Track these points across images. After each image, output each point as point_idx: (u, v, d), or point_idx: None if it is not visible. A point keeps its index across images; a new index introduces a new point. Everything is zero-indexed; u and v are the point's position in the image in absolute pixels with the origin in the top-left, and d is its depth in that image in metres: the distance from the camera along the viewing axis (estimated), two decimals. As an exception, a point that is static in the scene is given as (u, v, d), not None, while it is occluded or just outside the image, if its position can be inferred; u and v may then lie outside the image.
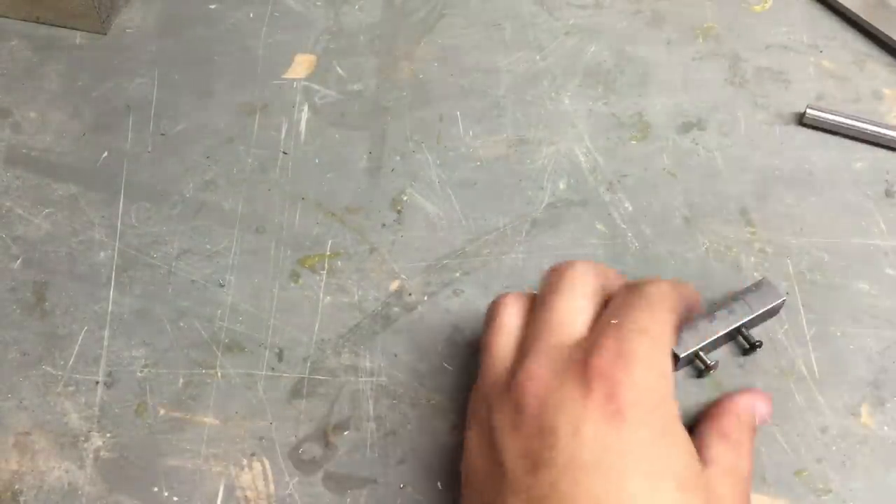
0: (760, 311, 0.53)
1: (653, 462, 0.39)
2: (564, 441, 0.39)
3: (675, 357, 0.52)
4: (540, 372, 0.42)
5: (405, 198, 0.62)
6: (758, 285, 0.54)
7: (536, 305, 0.47)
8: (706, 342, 0.52)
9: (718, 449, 0.44)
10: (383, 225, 0.61)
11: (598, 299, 0.46)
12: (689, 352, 0.51)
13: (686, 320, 0.49)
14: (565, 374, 0.41)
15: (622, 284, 0.48)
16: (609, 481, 0.38)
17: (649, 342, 0.42)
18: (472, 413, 0.46)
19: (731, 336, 0.53)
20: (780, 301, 0.54)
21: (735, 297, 0.54)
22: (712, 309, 0.53)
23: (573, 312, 0.44)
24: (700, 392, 0.53)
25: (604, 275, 0.47)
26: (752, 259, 0.58)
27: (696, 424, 0.47)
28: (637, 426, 0.39)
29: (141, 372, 0.55)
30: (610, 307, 0.45)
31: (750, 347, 0.53)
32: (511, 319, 0.47)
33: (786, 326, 0.55)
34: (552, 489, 0.39)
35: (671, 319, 0.45)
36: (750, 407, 0.48)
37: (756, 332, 0.54)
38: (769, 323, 0.55)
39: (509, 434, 0.41)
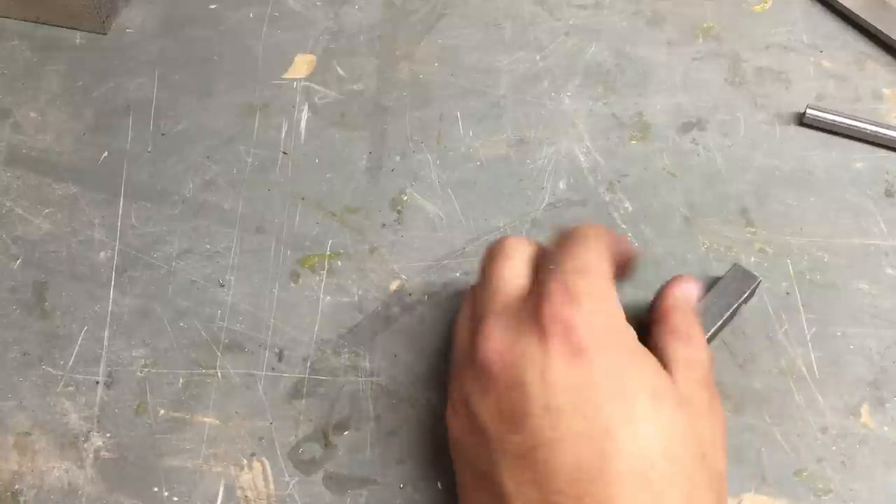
0: (741, 300, 0.54)
1: (622, 384, 0.40)
2: (534, 390, 0.40)
3: None
4: (494, 331, 0.43)
5: (405, 198, 0.62)
6: (733, 273, 0.55)
7: (479, 283, 0.48)
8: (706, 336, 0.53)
9: (673, 346, 0.45)
10: (383, 225, 0.61)
11: (533, 263, 0.47)
12: None
13: (621, 265, 0.49)
14: (519, 326, 0.42)
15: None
16: (586, 415, 0.39)
17: (592, 278, 0.43)
18: (449, 397, 0.47)
19: (721, 328, 0.54)
20: (756, 283, 0.54)
21: (711, 288, 0.54)
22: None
23: (511, 274, 0.45)
24: (700, 392, 0.53)
25: (534, 242, 0.49)
26: (752, 259, 0.58)
27: (646, 334, 0.47)
28: (599, 357, 0.40)
29: (141, 372, 0.55)
30: (545, 258, 0.46)
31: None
32: (465, 309, 0.48)
33: (786, 326, 0.55)
34: (536, 439, 0.40)
35: (607, 255, 0.45)
36: (686, 295, 0.49)
37: (755, 331, 0.54)
38: (769, 323, 0.55)
39: (481, 399, 0.42)
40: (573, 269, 0.43)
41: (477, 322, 0.45)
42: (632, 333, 0.43)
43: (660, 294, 0.50)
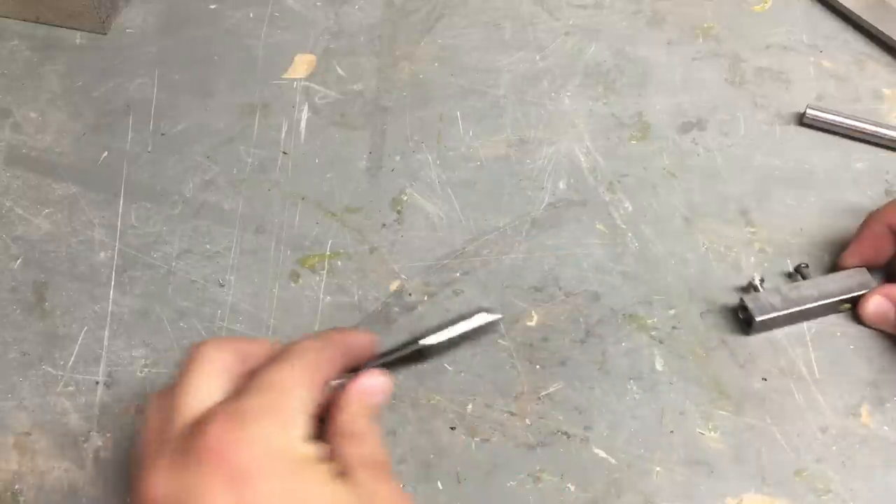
0: (854, 294, 0.55)
1: None
2: None
3: (750, 322, 0.54)
4: (159, 470, 0.38)
5: (405, 198, 0.62)
6: (850, 274, 0.55)
7: (164, 393, 0.42)
8: (790, 310, 0.54)
9: (343, 449, 0.41)
10: (383, 225, 0.61)
11: (231, 375, 0.42)
12: (765, 317, 0.53)
13: (351, 365, 0.46)
14: (183, 458, 0.38)
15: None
16: None
17: (271, 396, 0.40)
18: None
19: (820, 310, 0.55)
20: (870, 283, 0.55)
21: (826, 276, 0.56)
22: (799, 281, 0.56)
23: (194, 389, 0.41)
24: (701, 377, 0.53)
25: (243, 350, 0.43)
26: (752, 259, 0.58)
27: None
28: (266, 480, 0.37)
29: (141, 372, 0.55)
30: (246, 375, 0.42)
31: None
32: (150, 424, 0.42)
33: (786, 327, 0.55)
34: None
35: (305, 375, 0.41)
36: (359, 394, 0.44)
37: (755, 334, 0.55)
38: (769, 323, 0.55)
39: None
40: (256, 386, 0.40)
41: (147, 451, 0.40)
42: (310, 453, 0.40)
43: (340, 392, 0.45)
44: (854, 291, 0.54)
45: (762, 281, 0.55)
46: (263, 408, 0.39)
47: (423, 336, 0.49)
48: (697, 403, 0.52)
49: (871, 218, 0.56)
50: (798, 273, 0.56)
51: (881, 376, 0.53)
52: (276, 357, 0.42)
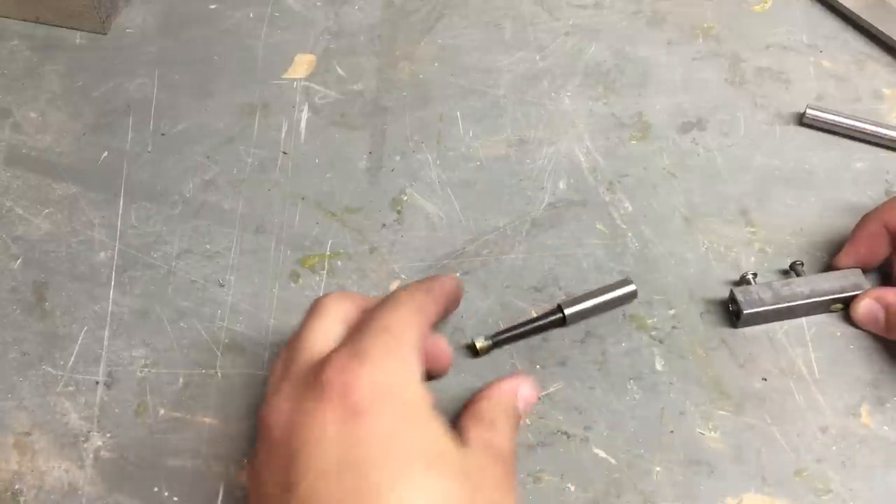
0: (846, 294, 0.55)
1: (398, 448, 0.39)
2: (310, 454, 0.39)
3: (738, 314, 0.54)
4: (281, 399, 0.42)
5: (405, 198, 0.62)
6: (844, 274, 0.55)
7: (291, 340, 0.46)
8: (779, 305, 0.54)
9: (472, 430, 0.43)
10: (383, 225, 0.61)
11: (350, 323, 0.45)
12: (754, 310, 0.54)
13: (451, 309, 0.50)
14: (303, 389, 0.41)
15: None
16: (352, 479, 0.38)
17: (387, 337, 0.42)
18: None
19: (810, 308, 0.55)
20: (863, 285, 0.55)
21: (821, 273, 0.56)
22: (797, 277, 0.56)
23: (318, 336, 0.44)
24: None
25: (361, 301, 0.47)
26: (752, 259, 0.58)
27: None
28: (377, 418, 0.39)
29: (141, 372, 0.55)
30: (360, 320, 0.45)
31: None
32: (276, 368, 0.45)
33: (786, 327, 0.55)
34: None
35: (415, 318, 0.44)
36: (508, 391, 0.47)
37: (755, 331, 0.55)
38: (769, 323, 0.55)
39: (265, 466, 0.41)
40: (371, 328, 0.43)
41: (273, 383, 0.43)
42: (420, 396, 0.42)
43: (490, 385, 0.48)
44: (847, 292, 0.54)
45: (755, 275, 0.55)
46: (379, 348, 0.42)
47: (566, 305, 0.55)
48: (697, 403, 0.53)
49: (867, 217, 0.56)
50: (793, 270, 0.56)
51: (881, 376, 0.53)
52: (386, 301, 0.45)
